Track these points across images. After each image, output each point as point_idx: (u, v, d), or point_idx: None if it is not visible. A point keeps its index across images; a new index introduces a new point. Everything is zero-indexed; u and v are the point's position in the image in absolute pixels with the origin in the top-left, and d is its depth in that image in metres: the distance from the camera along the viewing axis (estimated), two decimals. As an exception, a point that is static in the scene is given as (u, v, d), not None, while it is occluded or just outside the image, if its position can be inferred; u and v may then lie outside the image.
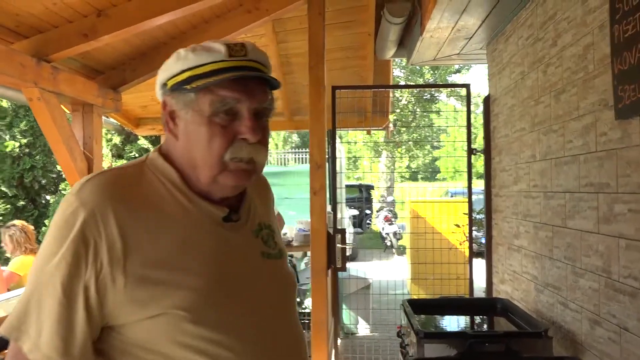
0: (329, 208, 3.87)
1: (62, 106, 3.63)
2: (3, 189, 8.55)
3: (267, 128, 1.03)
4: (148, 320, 0.90)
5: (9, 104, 8.15)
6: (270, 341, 1.00)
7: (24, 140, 8.42)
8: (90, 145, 3.64)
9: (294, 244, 4.26)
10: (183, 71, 0.97)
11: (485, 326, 2.73)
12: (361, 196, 14.96)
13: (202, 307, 0.92)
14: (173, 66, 0.99)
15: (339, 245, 3.67)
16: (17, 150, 8.37)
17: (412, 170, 24.04)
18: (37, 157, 8.60)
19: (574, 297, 2.26)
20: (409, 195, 8.66)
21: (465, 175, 3.86)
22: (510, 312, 2.62)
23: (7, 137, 8.43)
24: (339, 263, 3.66)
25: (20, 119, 8.44)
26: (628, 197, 1.81)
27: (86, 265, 0.88)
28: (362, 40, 4.53)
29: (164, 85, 1.01)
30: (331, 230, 3.64)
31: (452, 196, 12.63)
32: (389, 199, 14.66)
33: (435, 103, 15.69)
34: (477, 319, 2.79)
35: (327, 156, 3.76)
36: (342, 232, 3.70)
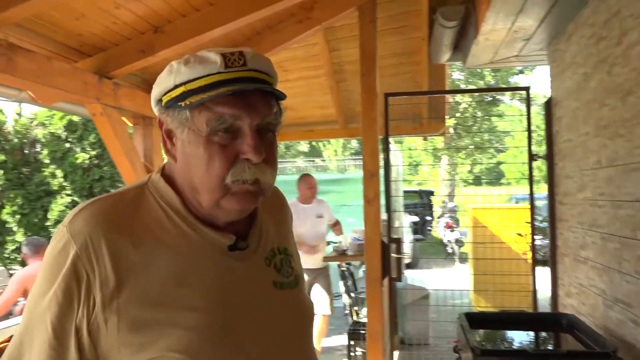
0: (384, 216, 3.81)
1: (124, 119, 3.80)
2: (75, 198, 9.08)
3: (274, 144, 0.92)
4: None
5: (79, 119, 8.65)
6: None
7: (93, 152, 8.91)
8: (150, 156, 3.76)
9: (349, 252, 4.23)
10: (176, 86, 0.86)
11: (548, 344, 2.58)
12: (421, 202, 14.70)
13: (200, 348, 0.83)
14: (166, 81, 0.88)
15: (394, 255, 3.60)
16: (87, 162, 8.86)
17: (475, 175, 23.40)
18: (105, 168, 9.08)
19: (646, 315, 2.09)
20: (471, 201, 8.40)
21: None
22: (576, 329, 2.46)
23: (78, 149, 8.96)
24: (394, 273, 3.59)
25: (90, 132, 8.96)
26: None
27: (78, 304, 0.81)
28: (416, 45, 4.44)
29: (159, 101, 0.91)
30: (386, 240, 3.58)
31: (517, 202, 12.17)
32: (450, 204, 14.33)
33: (497, 106, 15.20)
34: (541, 335, 2.64)
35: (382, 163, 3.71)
36: (398, 241, 3.63)
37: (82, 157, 8.78)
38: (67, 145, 9.11)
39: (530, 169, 3.60)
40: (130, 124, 3.88)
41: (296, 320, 0.98)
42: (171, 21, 3.10)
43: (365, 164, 3.44)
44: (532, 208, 3.63)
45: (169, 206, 0.91)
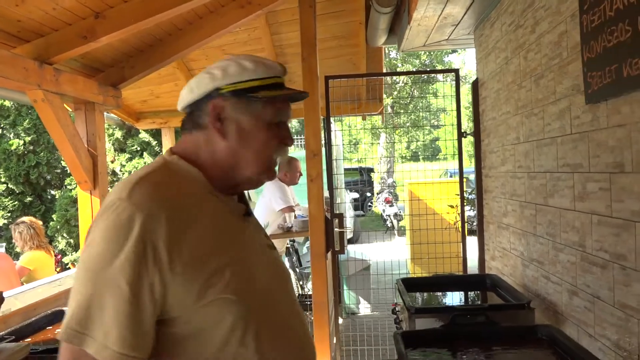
0: (326, 194, 4.01)
1: (65, 105, 3.76)
2: (10, 186, 8.73)
3: None
4: (203, 309, 0.99)
5: (11, 103, 8.29)
6: (296, 324, 1.16)
7: (28, 138, 8.58)
8: (93, 142, 3.77)
9: (294, 229, 4.41)
10: (250, 80, 1.10)
11: (476, 301, 2.88)
12: (362, 179, 15.12)
13: (245, 292, 1.04)
14: (238, 74, 1.10)
15: (337, 230, 3.82)
16: (22, 148, 8.53)
17: (412, 151, 24.11)
18: (42, 154, 8.76)
19: (555, 271, 2.40)
20: (409, 176, 8.78)
21: (465, 155, 3.96)
22: (498, 287, 2.77)
23: (11, 135, 8.61)
24: (337, 246, 3.82)
25: (24, 117, 8.59)
26: (598, 177, 1.95)
27: (149, 265, 0.95)
28: (353, 28, 4.63)
29: (217, 90, 1.10)
30: (329, 215, 3.78)
31: (451, 176, 12.77)
32: (389, 180, 14.82)
33: (432, 84, 15.74)
34: (471, 294, 2.94)
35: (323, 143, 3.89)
36: (340, 216, 3.85)
37: (16, 143, 8.44)
38: (-1, 131, 8.74)
39: (460, 145, 3.90)
40: (70, 110, 3.85)
41: (285, 276, 1.25)
42: (112, 6, 3.11)
43: (307, 144, 3.61)
44: (462, 182, 3.94)
45: (195, 182, 1.10)
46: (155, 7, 3.14)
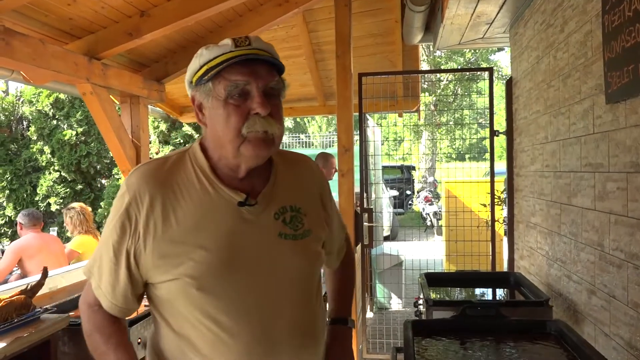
0: (357, 189, 4.09)
1: (112, 97, 3.99)
2: (63, 174, 9.26)
3: (279, 105, 1.18)
4: (167, 283, 1.14)
5: (66, 96, 8.75)
6: (270, 311, 1.15)
7: (80, 129, 9.08)
8: (137, 133, 3.98)
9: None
10: (201, 66, 1.15)
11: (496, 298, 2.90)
12: (402, 177, 15.05)
13: (204, 277, 1.11)
14: (193, 64, 1.18)
15: (366, 224, 3.89)
16: (74, 138, 9.03)
17: (458, 150, 23.72)
18: (92, 144, 9.24)
19: (576, 270, 2.41)
20: (448, 175, 8.75)
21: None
22: (521, 285, 2.78)
23: (65, 126, 9.12)
24: (366, 240, 3.89)
25: (76, 110, 9.08)
26: (617, 176, 1.95)
27: (129, 235, 1.14)
28: (389, 27, 4.67)
29: (191, 82, 1.19)
30: (359, 210, 3.87)
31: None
32: (430, 179, 14.70)
33: (477, 82, 15.46)
34: (491, 291, 2.96)
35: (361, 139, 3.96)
36: (369, 211, 3.92)
37: (69, 134, 8.94)
38: (54, 122, 9.25)
39: (492, 144, 3.90)
40: (117, 103, 4.08)
41: (301, 263, 1.22)
42: (157, 5, 3.29)
43: (339, 139, 3.70)
44: (492, 180, 3.93)
45: (199, 168, 1.19)
46: (196, 5, 3.30)
